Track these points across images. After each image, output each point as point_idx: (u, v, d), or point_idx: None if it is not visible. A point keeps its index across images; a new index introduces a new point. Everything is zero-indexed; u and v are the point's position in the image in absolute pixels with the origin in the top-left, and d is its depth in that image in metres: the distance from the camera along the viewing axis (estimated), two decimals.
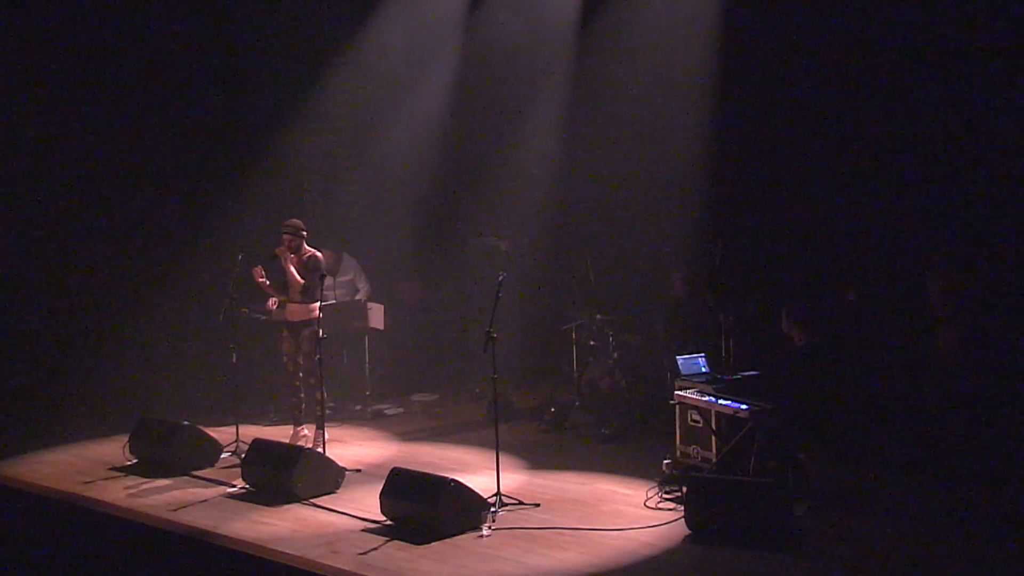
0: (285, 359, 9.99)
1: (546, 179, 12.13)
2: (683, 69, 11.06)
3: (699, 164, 10.93)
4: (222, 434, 9.83)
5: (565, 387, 11.25)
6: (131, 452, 9.68)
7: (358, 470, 9.20)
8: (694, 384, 8.80)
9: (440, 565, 7.22)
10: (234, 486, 8.91)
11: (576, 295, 11.20)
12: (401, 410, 11.42)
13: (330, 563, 7.29)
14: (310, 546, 7.60)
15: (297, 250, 9.80)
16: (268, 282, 9.74)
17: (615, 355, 10.40)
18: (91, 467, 9.62)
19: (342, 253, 11.60)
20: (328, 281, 10.13)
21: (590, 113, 11.94)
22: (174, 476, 9.21)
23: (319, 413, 9.61)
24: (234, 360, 9.78)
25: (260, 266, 9.71)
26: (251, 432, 9.71)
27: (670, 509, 8.01)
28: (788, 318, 8.67)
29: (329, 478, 8.75)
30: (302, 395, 9.97)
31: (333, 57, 13.25)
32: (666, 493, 8.28)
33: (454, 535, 7.63)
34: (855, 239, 10.29)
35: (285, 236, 9.77)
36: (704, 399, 8.55)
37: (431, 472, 8.27)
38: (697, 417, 8.71)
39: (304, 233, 9.86)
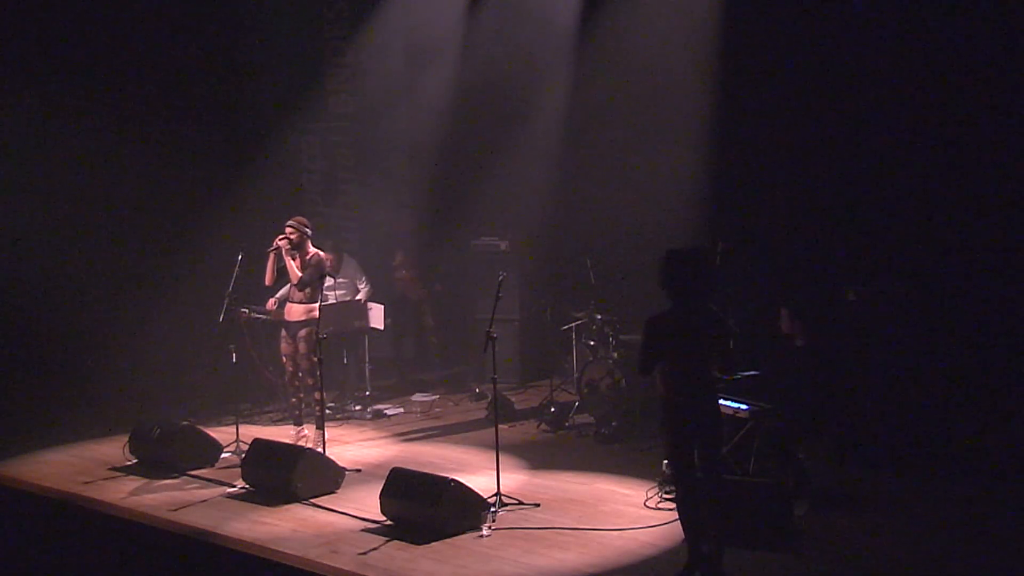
0: (284, 359, 9.98)
1: (546, 179, 12.11)
2: (683, 69, 11.04)
3: (699, 163, 10.92)
4: (222, 434, 9.83)
5: (565, 387, 11.25)
6: (131, 452, 9.67)
7: (358, 470, 9.19)
8: None
9: (440, 565, 7.22)
10: (234, 486, 8.91)
11: (576, 295, 11.19)
12: (401, 410, 11.41)
13: (330, 563, 7.30)
14: (310, 546, 7.60)
15: (300, 246, 9.79)
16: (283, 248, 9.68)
17: (615, 355, 10.39)
18: (91, 467, 9.62)
19: (342, 253, 11.60)
20: (328, 281, 10.12)
21: (590, 112, 11.93)
22: (174, 476, 9.22)
23: (318, 413, 9.60)
24: (234, 360, 9.80)
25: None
26: (251, 432, 9.72)
27: (670, 509, 7.99)
28: (788, 318, 8.66)
29: (329, 478, 8.74)
30: (302, 395, 9.97)
31: (334, 57, 13.27)
32: (666, 493, 8.25)
33: (454, 535, 7.62)
34: (855, 239, 10.28)
35: (288, 228, 9.76)
36: None
37: (431, 472, 8.27)
38: None
39: (309, 231, 9.85)
